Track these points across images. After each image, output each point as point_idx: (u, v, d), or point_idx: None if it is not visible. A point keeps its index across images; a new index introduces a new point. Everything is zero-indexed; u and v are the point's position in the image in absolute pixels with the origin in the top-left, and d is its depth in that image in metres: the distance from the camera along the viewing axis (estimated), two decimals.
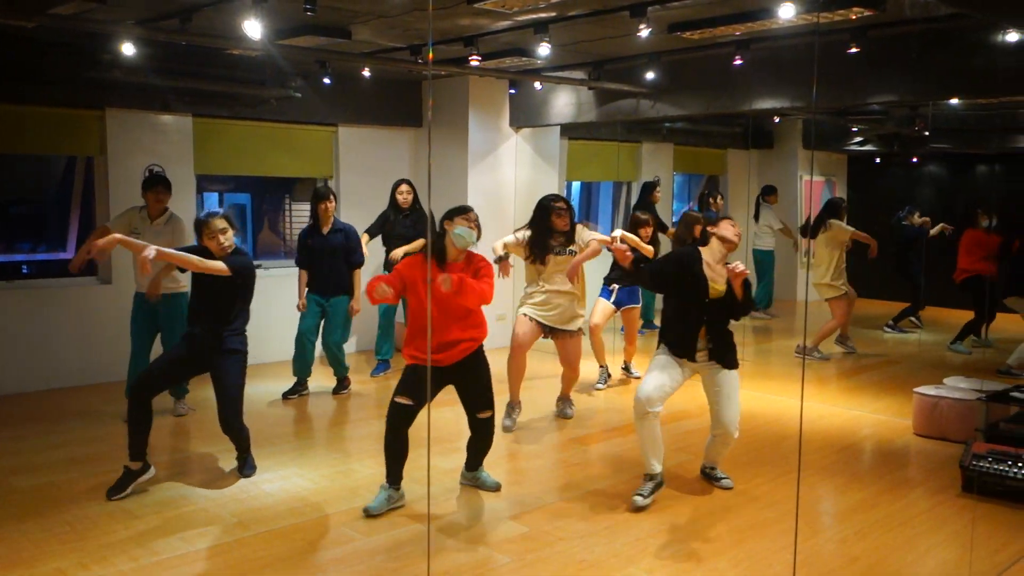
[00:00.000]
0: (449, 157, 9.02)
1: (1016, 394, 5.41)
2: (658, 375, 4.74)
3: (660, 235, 8.23)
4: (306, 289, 7.05)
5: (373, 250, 7.84)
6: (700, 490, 5.02)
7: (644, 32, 5.75)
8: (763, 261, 11.39)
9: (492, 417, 4.85)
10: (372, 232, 7.85)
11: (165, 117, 7.70)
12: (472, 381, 4.72)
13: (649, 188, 10.36)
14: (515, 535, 4.35)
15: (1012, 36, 5.60)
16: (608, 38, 6.76)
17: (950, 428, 6.01)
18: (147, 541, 4.21)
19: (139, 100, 7.48)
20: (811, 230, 8.84)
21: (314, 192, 7.10)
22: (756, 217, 11.61)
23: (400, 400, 4.54)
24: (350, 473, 5.26)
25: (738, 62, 6.70)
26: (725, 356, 4.81)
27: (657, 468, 4.79)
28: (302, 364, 7.15)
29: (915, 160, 12.48)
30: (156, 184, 6.24)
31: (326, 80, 7.67)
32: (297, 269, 7.13)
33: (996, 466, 4.87)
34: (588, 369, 7.36)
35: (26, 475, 5.15)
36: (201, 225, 4.89)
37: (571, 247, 6.00)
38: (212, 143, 8.02)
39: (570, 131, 10.20)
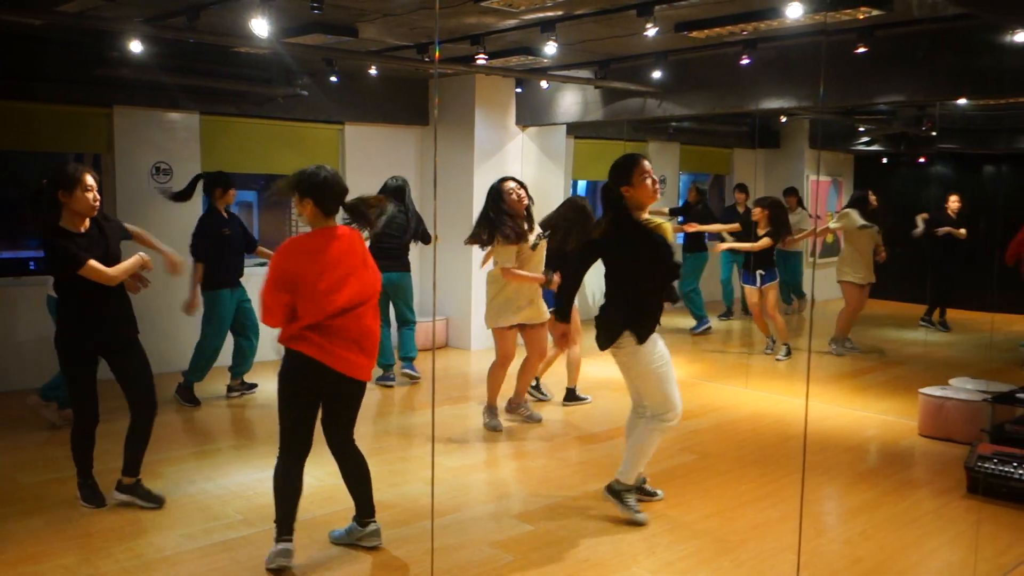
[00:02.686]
0: (455, 155, 9.03)
1: (1022, 395, 5.39)
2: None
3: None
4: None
5: None
6: (703, 491, 5.02)
7: (651, 31, 5.74)
8: (788, 259, 11.18)
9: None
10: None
11: (172, 115, 7.72)
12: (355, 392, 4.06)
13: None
14: (519, 534, 4.35)
15: (1020, 37, 5.58)
16: (615, 37, 6.75)
17: (955, 429, 5.99)
18: (151, 537, 4.23)
19: (147, 98, 7.50)
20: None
21: (215, 177, 6.77)
22: None
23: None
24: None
25: (745, 61, 6.69)
26: None
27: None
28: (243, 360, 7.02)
29: (922, 160, 12.44)
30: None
31: (333, 78, 7.68)
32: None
33: (1001, 468, 4.86)
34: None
35: (30, 471, 5.17)
36: (74, 176, 4.32)
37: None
38: (219, 140, 8.04)
39: (576, 130, 10.19)
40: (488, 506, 4.73)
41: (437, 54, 7.64)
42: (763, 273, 8.47)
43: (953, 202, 10.07)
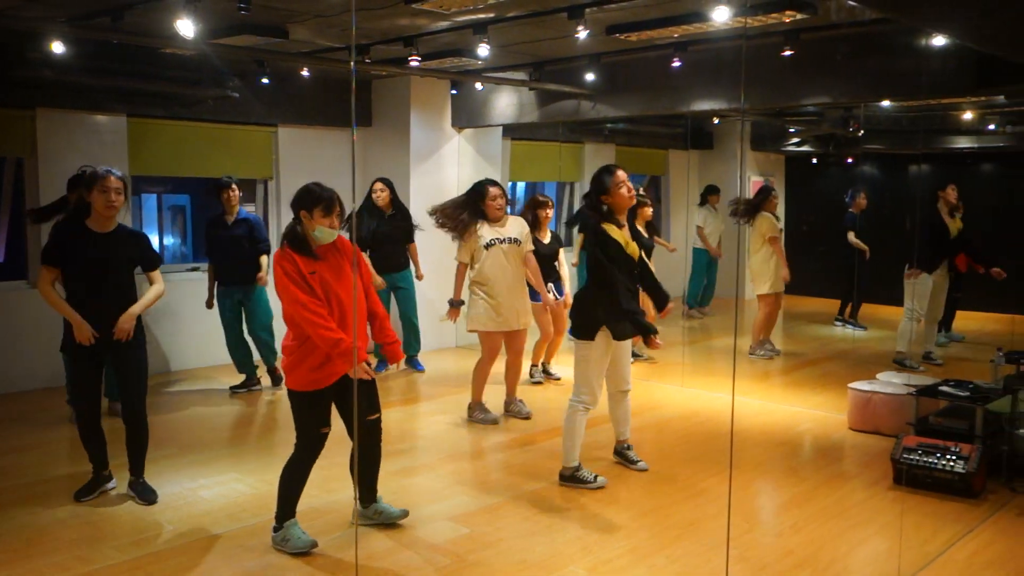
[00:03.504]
0: (391, 158, 8.98)
1: (944, 388, 5.56)
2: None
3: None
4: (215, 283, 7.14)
5: None
6: (640, 489, 5.07)
7: (582, 34, 5.79)
8: (699, 259, 11.42)
9: (379, 421, 4.32)
10: (363, 245, 7.46)
11: (98, 117, 7.52)
12: (366, 385, 4.21)
13: None
14: (455, 536, 4.34)
15: (936, 40, 5.76)
16: (548, 39, 6.79)
17: (883, 422, 6.15)
18: (79, 550, 4.12)
19: (71, 100, 7.30)
20: (743, 213, 8.82)
21: (217, 183, 7.11)
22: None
23: (325, 430, 4.14)
24: None
25: (676, 64, 6.78)
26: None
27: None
28: (238, 360, 7.29)
29: (850, 160, 12.76)
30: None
31: (264, 80, 7.58)
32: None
33: (925, 459, 5.00)
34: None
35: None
36: (96, 178, 4.49)
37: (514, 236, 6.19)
38: (148, 144, 7.87)
39: (512, 131, 10.22)
40: (424, 509, 4.71)
41: (353, 58, 7.48)
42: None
43: (861, 199, 10.27)
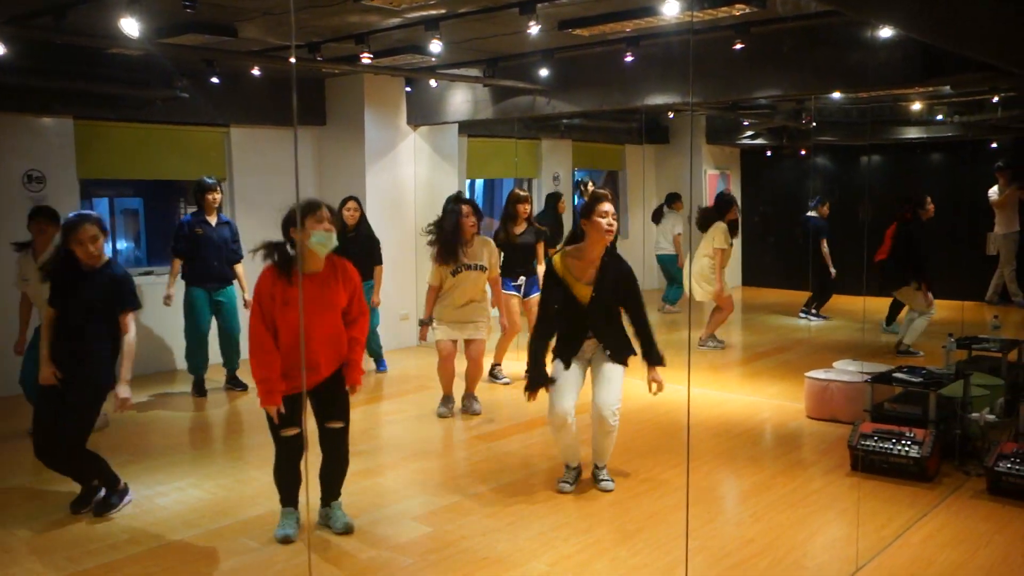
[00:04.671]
0: (346, 156, 8.91)
1: (899, 375, 5.64)
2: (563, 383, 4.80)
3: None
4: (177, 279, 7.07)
5: None
6: None
7: (534, 29, 5.78)
8: (668, 265, 11.45)
9: (344, 431, 4.34)
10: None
11: (44, 119, 7.36)
12: (334, 394, 4.26)
13: (554, 200, 10.21)
14: (417, 535, 4.32)
15: (882, 32, 5.84)
16: (500, 35, 6.76)
17: (840, 410, 6.23)
18: (29, 562, 4.03)
19: (14, 102, 7.11)
20: (699, 222, 8.92)
21: (199, 184, 7.11)
22: (656, 221, 11.63)
23: (290, 432, 4.12)
24: (248, 481, 5.14)
25: (629, 59, 6.80)
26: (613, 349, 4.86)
27: (576, 462, 4.99)
28: (197, 361, 7.20)
29: (803, 153, 12.91)
30: (37, 216, 5.85)
31: (214, 80, 7.47)
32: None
33: (881, 444, 5.07)
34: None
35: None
36: (71, 229, 4.40)
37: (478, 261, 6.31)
38: (96, 146, 7.71)
39: (468, 128, 10.18)
40: (386, 510, 4.68)
41: (292, 56, 7.37)
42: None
43: (825, 208, 10.38)
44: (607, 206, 4.63)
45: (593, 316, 4.76)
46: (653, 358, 4.83)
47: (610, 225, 4.62)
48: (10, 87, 6.89)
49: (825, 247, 10.16)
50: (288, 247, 4.06)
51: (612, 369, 4.81)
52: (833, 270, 10.14)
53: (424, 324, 6.41)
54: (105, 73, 7.30)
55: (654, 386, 4.83)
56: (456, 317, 6.34)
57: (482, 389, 6.87)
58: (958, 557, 4.03)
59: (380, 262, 7.64)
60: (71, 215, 4.56)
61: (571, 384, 4.79)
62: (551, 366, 4.85)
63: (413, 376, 7.90)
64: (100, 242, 4.45)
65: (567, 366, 4.81)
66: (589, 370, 4.92)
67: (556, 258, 4.80)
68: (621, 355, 4.84)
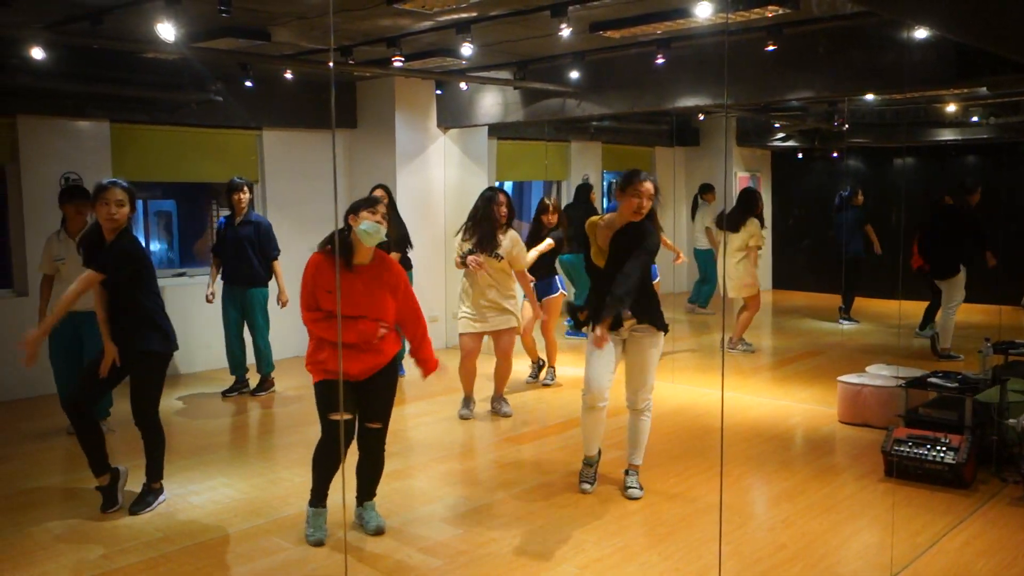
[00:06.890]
0: (377, 159, 8.95)
1: (933, 380, 5.57)
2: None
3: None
4: (219, 279, 7.25)
5: None
6: None
7: (565, 32, 5.78)
8: (704, 260, 11.37)
9: (382, 432, 4.37)
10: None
11: (81, 123, 7.47)
12: (377, 394, 4.31)
13: (585, 191, 10.21)
14: (447, 537, 4.33)
15: (917, 33, 5.77)
16: (531, 38, 6.77)
17: (873, 415, 6.16)
18: (67, 559, 4.08)
19: (52, 106, 7.24)
20: (730, 223, 8.86)
21: (228, 184, 7.18)
22: (693, 216, 11.64)
23: (334, 417, 4.19)
24: (279, 481, 5.18)
25: (660, 60, 6.78)
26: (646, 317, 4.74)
27: (595, 452, 4.98)
28: (232, 360, 7.30)
29: (835, 155, 12.79)
30: (74, 197, 5.93)
31: (247, 83, 7.54)
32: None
33: (916, 450, 5.01)
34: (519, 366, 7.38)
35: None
36: (100, 189, 4.55)
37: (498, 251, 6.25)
38: (131, 149, 7.81)
39: (498, 131, 10.20)
40: (416, 511, 4.70)
41: (331, 60, 7.44)
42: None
43: (859, 195, 10.29)
44: (646, 185, 4.54)
45: (612, 280, 4.59)
46: (608, 308, 4.50)
47: (640, 208, 4.55)
48: (48, 91, 7.01)
49: (870, 229, 10.09)
50: (347, 232, 4.20)
51: (645, 355, 4.76)
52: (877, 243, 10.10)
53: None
54: (140, 77, 7.40)
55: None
56: (480, 305, 6.26)
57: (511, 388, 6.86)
58: (996, 565, 3.97)
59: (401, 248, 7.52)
60: (103, 180, 4.70)
61: (606, 363, 4.72)
62: (588, 335, 4.78)
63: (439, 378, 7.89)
64: (125, 209, 4.57)
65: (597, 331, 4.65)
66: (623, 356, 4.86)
67: (588, 222, 4.82)
68: (653, 321, 4.71)
